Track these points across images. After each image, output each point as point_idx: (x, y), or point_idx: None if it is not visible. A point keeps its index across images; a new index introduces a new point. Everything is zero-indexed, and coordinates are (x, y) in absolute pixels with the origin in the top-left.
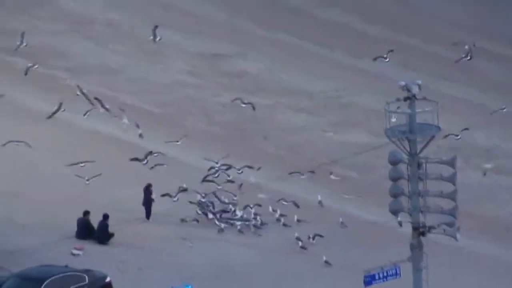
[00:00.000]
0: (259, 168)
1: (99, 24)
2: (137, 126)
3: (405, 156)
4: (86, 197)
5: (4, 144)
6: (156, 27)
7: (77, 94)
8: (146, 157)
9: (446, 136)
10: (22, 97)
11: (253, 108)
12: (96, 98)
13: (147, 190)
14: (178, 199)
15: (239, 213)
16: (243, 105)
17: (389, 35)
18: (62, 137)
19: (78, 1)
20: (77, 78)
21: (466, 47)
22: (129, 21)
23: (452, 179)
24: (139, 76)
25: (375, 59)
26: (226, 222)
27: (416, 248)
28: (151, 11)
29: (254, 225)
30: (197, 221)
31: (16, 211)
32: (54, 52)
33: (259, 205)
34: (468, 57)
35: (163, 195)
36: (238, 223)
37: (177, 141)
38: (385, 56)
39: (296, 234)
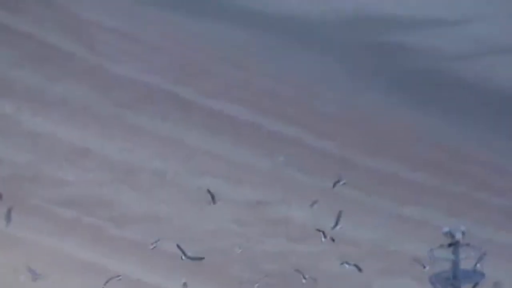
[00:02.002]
0: None
1: (145, 173)
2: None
3: None
4: None
5: None
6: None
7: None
8: None
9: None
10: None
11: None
12: None
13: None
14: None
15: None
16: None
17: (435, 182)
18: None
19: (123, 151)
20: (121, 228)
21: None
22: (174, 169)
23: None
24: (184, 224)
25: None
26: None
27: None
28: (195, 160)
29: None
30: None
31: None
32: (99, 202)
33: None
34: None
35: None
36: None
37: None
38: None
39: None
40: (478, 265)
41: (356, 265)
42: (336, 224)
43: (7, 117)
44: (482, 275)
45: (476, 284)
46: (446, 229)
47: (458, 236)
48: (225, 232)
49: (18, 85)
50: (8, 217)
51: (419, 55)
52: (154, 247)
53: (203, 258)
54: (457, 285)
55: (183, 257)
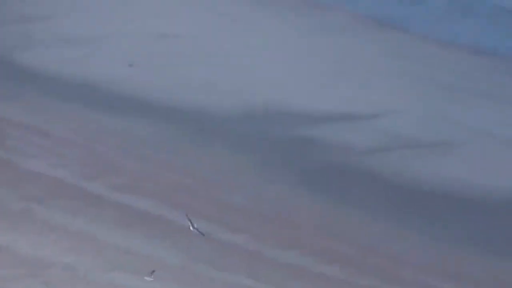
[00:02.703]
0: None
1: (56, 268)
2: None
3: None
4: None
5: None
6: None
7: None
8: None
9: None
10: None
11: None
12: None
13: None
14: None
15: None
16: None
17: (345, 276)
18: None
19: (34, 246)
20: None
21: None
22: (85, 264)
23: None
24: None
25: None
26: None
27: None
28: (106, 254)
29: None
30: None
31: None
32: None
33: None
34: None
35: None
36: None
37: None
38: None
39: None
40: None
41: None
42: None
43: None
44: None
45: None
46: None
47: None
48: None
49: None
50: None
51: (329, 149)
52: None
53: None
54: None
55: None
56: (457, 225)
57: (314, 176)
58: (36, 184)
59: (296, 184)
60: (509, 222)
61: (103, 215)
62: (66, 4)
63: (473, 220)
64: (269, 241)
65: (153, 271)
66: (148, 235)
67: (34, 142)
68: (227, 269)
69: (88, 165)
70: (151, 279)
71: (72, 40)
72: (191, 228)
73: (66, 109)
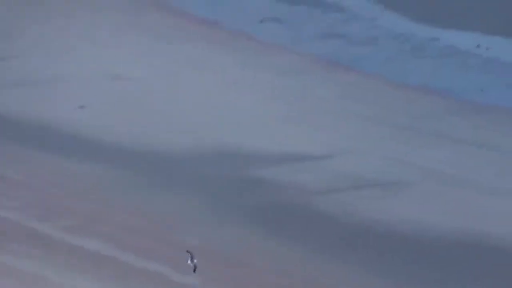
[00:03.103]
0: None
1: None
2: None
3: None
4: None
5: None
6: None
7: None
8: None
9: None
10: None
11: None
12: None
13: None
14: None
15: None
16: None
17: None
18: None
19: None
20: None
21: None
22: None
23: None
24: None
25: None
26: None
27: None
28: None
29: None
30: None
31: None
32: None
33: None
34: None
35: None
36: None
37: None
38: None
39: None
40: None
41: None
42: None
43: None
44: None
45: None
46: None
47: None
48: None
49: None
50: None
51: (281, 189)
52: None
53: None
54: None
55: None
56: (410, 265)
57: (266, 216)
58: None
59: (248, 224)
60: (460, 262)
61: (54, 256)
62: (22, 46)
63: (424, 260)
64: (221, 281)
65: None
66: (100, 277)
67: None
68: None
69: (41, 207)
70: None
71: (27, 82)
72: (189, 262)
73: (20, 151)
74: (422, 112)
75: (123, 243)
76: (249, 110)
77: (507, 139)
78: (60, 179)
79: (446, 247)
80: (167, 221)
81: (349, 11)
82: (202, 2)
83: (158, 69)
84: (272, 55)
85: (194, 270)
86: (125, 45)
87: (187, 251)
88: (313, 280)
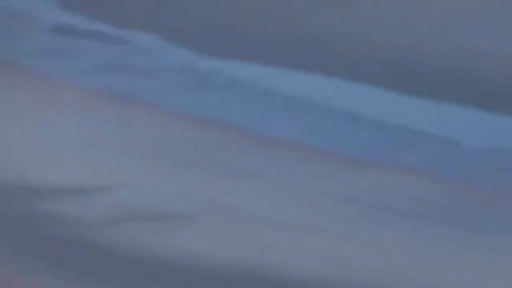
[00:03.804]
0: None
1: None
2: None
3: None
4: None
5: None
6: None
7: None
8: None
9: None
10: None
11: None
12: None
13: None
14: None
15: None
16: None
17: None
18: None
19: None
20: None
21: None
22: None
23: None
24: None
25: None
26: None
27: None
28: None
29: None
30: None
31: None
32: None
33: None
34: None
35: None
36: None
37: None
38: None
39: None
40: None
41: None
42: None
43: None
44: None
45: None
46: None
47: None
48: None
49: None
50: None
51: (57, 222)
52: None
53: None
54: None
55: None
56: None
57: (40, 250)
58: None
59: (20, 261)
60: None
61: None
62: None
63: None
64: None
65: None
66: None
67: None
68: None
69: None
70: None
71: None
72: None
73: None
74: (205, 145)
75: None
76: (25, 142)
77: (283, 170)
78: None
79: (223, 279)
80: None
81: (132, 44)
82: None
83: None
84: (51, 89)
85: None
86: None
87: None
88: None
